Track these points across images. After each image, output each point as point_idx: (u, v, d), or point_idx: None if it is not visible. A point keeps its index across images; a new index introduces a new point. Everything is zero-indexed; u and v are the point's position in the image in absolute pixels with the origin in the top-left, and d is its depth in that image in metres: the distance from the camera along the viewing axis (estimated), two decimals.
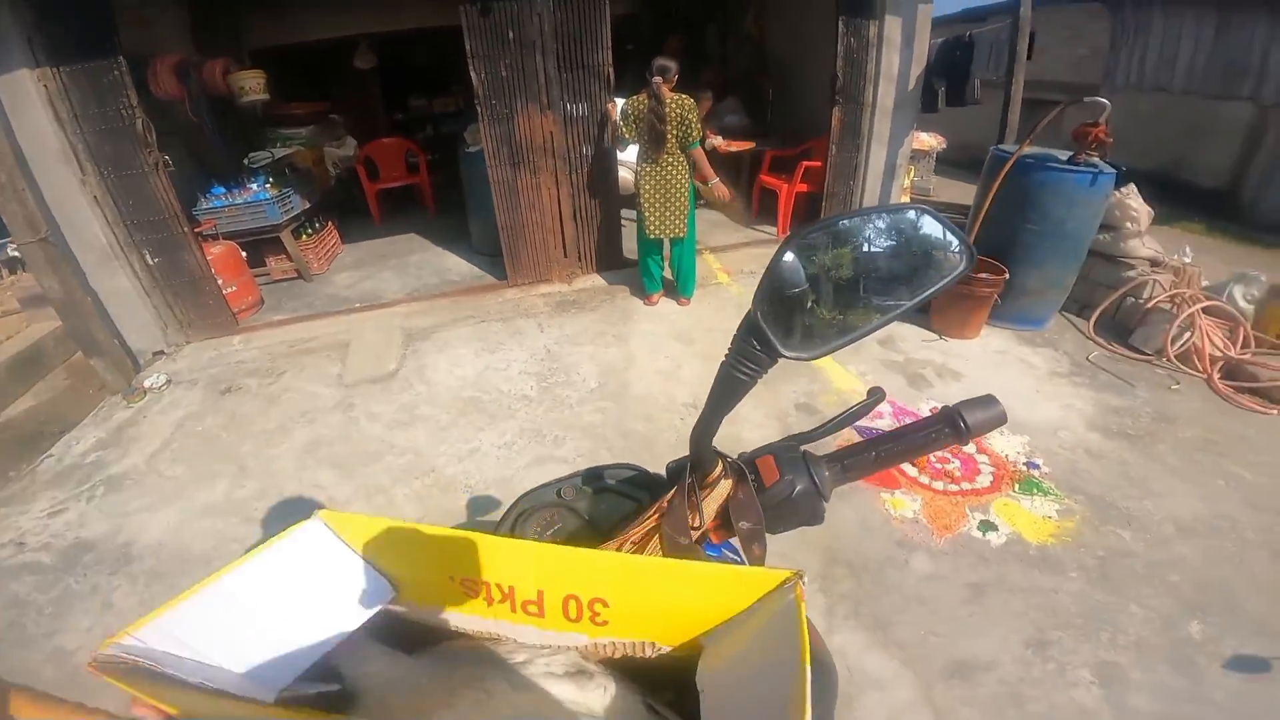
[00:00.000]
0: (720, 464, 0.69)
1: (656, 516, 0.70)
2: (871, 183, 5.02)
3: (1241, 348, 3.75)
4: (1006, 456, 2.86)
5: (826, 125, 4.85)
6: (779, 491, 0.66)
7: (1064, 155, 3.70)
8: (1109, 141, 3.66)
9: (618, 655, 0.66)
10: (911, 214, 0.62)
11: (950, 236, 0.60)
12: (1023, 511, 2.58)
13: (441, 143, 7.43)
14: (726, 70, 7.08)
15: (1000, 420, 0.65)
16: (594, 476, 0.89)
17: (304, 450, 3.03)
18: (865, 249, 0.60)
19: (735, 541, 0.70)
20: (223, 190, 4.69)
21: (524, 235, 4.42)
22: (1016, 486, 2.69)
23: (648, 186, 3.87)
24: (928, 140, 6.14)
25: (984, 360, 3.64)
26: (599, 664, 0.65)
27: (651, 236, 4.01)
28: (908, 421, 2.90)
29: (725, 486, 0.68)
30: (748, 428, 3.03)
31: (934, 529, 2.47)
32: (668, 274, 4.30)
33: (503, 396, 3.33)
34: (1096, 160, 3.64)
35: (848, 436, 2.57)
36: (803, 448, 0.70)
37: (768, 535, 0.66)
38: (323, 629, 0.61)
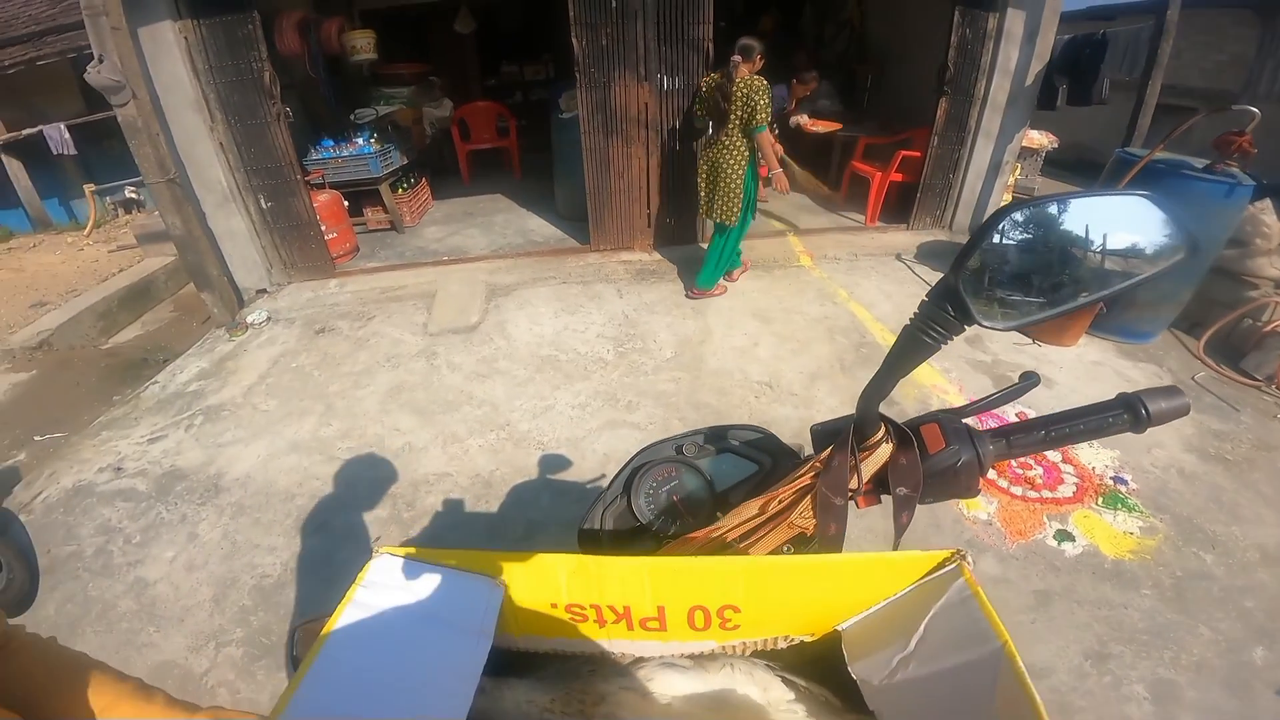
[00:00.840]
0: (884, 427, 0.68)
1: (811, 475, 0.69)
2: (973, 178, 4.82)
3: None
4: (1093, 469, 2.75)
5: (930, 116, 4.69)
6: (943, 459, 0.65)
7: (1198, 163, 3.47)
8: (1253, 152, 3.39)
9: (747, 653, 0.66)
10: (1136, 199, 0.60)
11: (1166, 223, 0.59)
12: (1103, 525, 2.49)
13: (530, 109, 7.55)
14: (822, 54, 6.90)
15: (1184, 411, 0.63)
16: (716, 435, 0.88)
17: (387, 394, 3.17)
18: (1077, 230, 0.59)
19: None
20: (331, 143, 4.95)
21: (610, 202, 4.48)
22: (1101, 500, 2.59)
23: (703, 164, 3.79)
24: (1038, 138, 5.80)
25: (1078, 370, 3.46)
26: (727, 648, 0.65)
27: (703, 215, 3.93)
28: (1017, 418, 2.79)
29: (885, 451, 0.67)
30: (822, 411, 3.00)
31: (1007, 533, 2.42)
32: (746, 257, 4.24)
33: (579, 358, 3.41)
34: (1235, 170, 3.39)
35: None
36: (966, 424, 0.69)
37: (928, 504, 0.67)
38: (457, 653, 0.57)
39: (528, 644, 0.66)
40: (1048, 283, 0.59)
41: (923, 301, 0.58)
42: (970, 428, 0.68)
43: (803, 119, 5.22)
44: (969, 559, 0.56)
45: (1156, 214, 0.59)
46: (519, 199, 5.91)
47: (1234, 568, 2.37)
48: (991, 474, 2.66)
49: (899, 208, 5.05)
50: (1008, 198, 5.22)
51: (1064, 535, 2.43)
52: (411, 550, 0.62)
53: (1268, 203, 3.78)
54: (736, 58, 3.48)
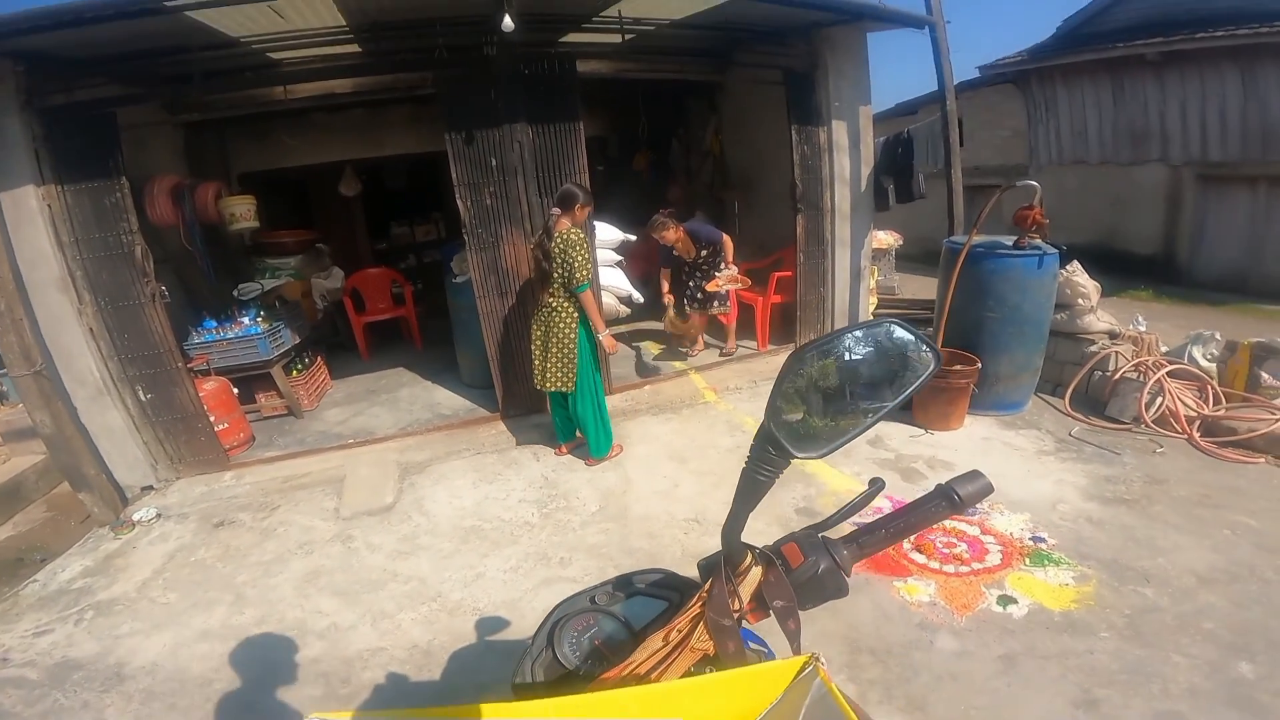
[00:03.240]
0: (749, 554, 0.79)
1: (700, 605, 0.78)
2: (840, 287, 5.23)
3: (1214, 405, 3.90)
4: (1011, 534, 2.90)
5: (792, 234, 5.04)
6: (805, 571, 0.76)
7: (1009, 240, 3.95)
8: (1045, 222, 3.93)
9: None
10: (883, 326, 0.76)
11: (919, 341, 0.74)
12: (1039, 582, 2.61)
13: (425, 271, 7.44)
14: (692, 184, 7.37)
15: (987, 490, 0.77)
16: (624, 583, 0.96)
17: (304, 579, 3.01)
18: (850, 360, 0.73)
19: (748, 629, 0.81)
20: (214, 324, 4.61)
21: (514, 366, 4.36)
22: (1027, 560, 2.74)
23: (534, 330, 3.58)
24: (885, 239, 6.48)
25: (971, 448, 3.74)
26: None
27: (538, 386, 3.69)
28: (885, 506, 2.94)
29: (757, 573, 0.79)
30: (751, 535, 3.00)
31: (953, 609, 2.48)
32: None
33: (504, 524, 3.32)
34: (1039, 242, 3.89)
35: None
36: (820, 534, 0.82)
37: (801, 612, 0.76)
38: None
39: None
40: (835, 410, 0.71)
41: (751, 445, 0.69)
42: (826, 538, 0.80)
43: (731, 273, 5.10)
44: (822, 660, 0.63)
45: (906, 334, 0.74)
46: (422, 370, 5.85)
47: (1177, 595, 2.51)
48: (921, 558, 2.76)
49: (784, 328, 5.35)
50: (874, 300, 5.76)
51: (1006, 599, 2.51)
52: (348, 715, 0.66)
53: (1075, 265, 4.38)
54: (555, 210, 3.35)
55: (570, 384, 3.56)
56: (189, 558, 3.29)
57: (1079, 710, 2.00)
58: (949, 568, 2.71)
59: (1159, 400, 3.88)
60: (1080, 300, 4.28)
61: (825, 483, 3.45)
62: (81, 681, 2.47)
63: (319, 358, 5.55)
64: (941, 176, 5.22)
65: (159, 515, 3.71)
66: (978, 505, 3.14)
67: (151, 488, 4.00)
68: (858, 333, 0.75)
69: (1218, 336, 4.23)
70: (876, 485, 0.85)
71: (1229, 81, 9.75)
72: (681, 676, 0.77)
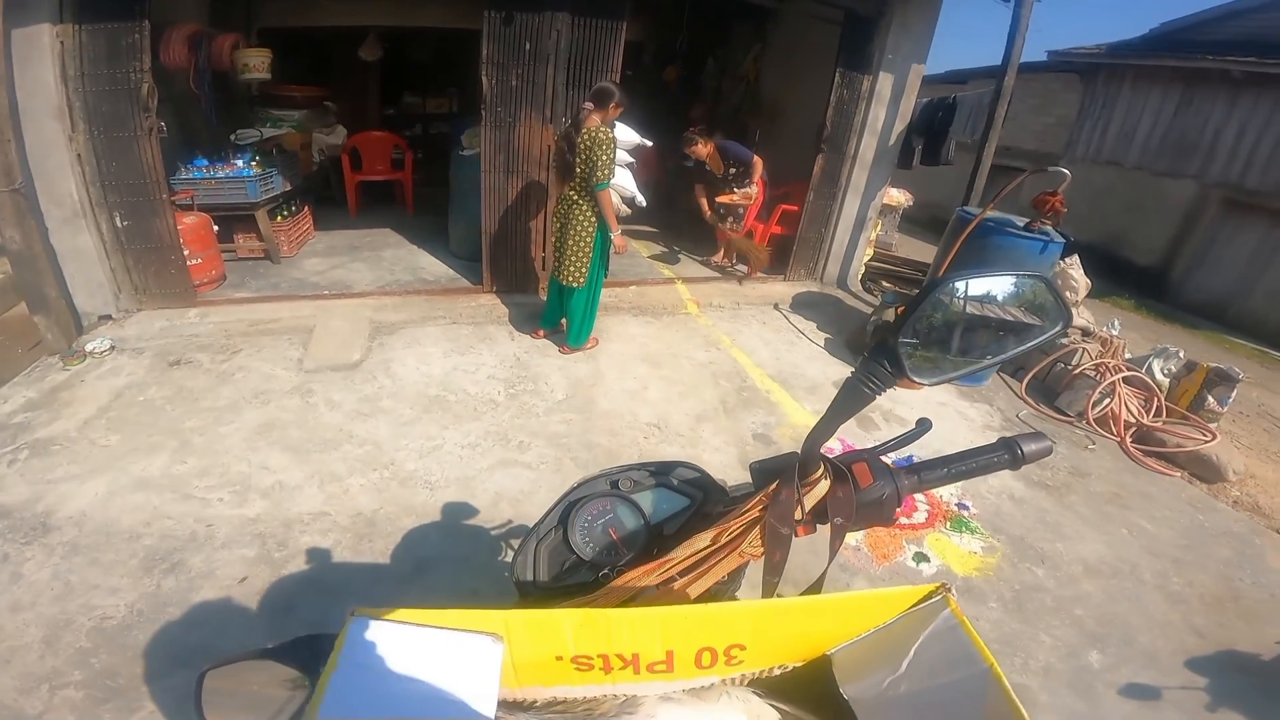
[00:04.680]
0: (823, 465, 0.76)
1: (760, 509, 0.75)
2: (842, 231, 5.25)
3: (1154, 416, 4.10)
4: (941, 497, 3.07)
5: (807, 171, 5.05)
6: (871, 492, 0.75)
7: (1020, 221, 3.98)
8: (1064, 211, 3.95)
9: (744, 683, 0.70)
10: (1036, 280, 0.75)
11: (1058, 303, 0.74)
12: (953, 547, 2.80)
13: (429, 142, 7.37)
14: (718, 106, 7.25)
15: (1048, 452, 0.77)
16: (651, 471, 0.92)
17: (255, 431, 2.96)
18: (994, 302, 0.73)
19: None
20: (205, 162, 4.59)
21: (506, 243, 4.47)
22: (949, 524, 2.92)
23: (555, 220, 3.64)
24: (897, 196, 6.39)
25: (926, 409, 3.79)
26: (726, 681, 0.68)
27: (554, 277, 3.73)
28: (838, 447, 3.09)
29: (824, 486, 0.76)
30: (710, 450, 3.17)
31: (874, 557, 2.67)
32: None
33: (469, 398, 3.37)
34: (1049, 228, 3.92)
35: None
36: (884, 460, 0.80)
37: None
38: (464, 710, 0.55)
39: (526, 694, 0.66)
40: (962, 345, 0.71)
41: (863, 358, 0.68)
42: (891, 465, 0.79)
43: (734, 197, 5.22)
44: (953, 592, 0.63)
45: (1047, 292, 0.74)
46: (410, 235, 5.76)
47: (1062, 580, 2.72)
48: None
49: (777, 259, 5.40)
50: (870, 252, 5.76)
51: (921, 557, 2.71)
52: (394, 611, 0.58)
53: (1075, 259, 4.43)
54: (588, 104, 3.31)
55: (582, 279, 3.59)
56: (138, 396, 3.14)
57: None
58: None
59: (1106, 401, 4.06)
60: (1068, 293, 4.36)
61: (786, 413, 3.57)
62: (4, 531, 2.31)
63: (306, 208, 5.48)
64: (973, 148, 5.13)
65: (113, 348, 3.57)
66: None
67: (110, 317, 3.89)
68: (1012, 278, 0.74)
69: (1181, 355, 4.38)
70: (923, 425, 0.81)
71: None
72: (717, 582, 0.75)
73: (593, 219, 3.45)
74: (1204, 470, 3.81)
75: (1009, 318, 0.73)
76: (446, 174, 5.15)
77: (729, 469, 3.05)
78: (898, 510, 0.77)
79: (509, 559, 2.39)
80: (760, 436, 3.35)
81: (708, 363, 4.01)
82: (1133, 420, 4.03)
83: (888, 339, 0.66)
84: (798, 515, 0.75)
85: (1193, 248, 10.68)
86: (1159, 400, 4.16)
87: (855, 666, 0.65)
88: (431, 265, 5.13)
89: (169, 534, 2.34)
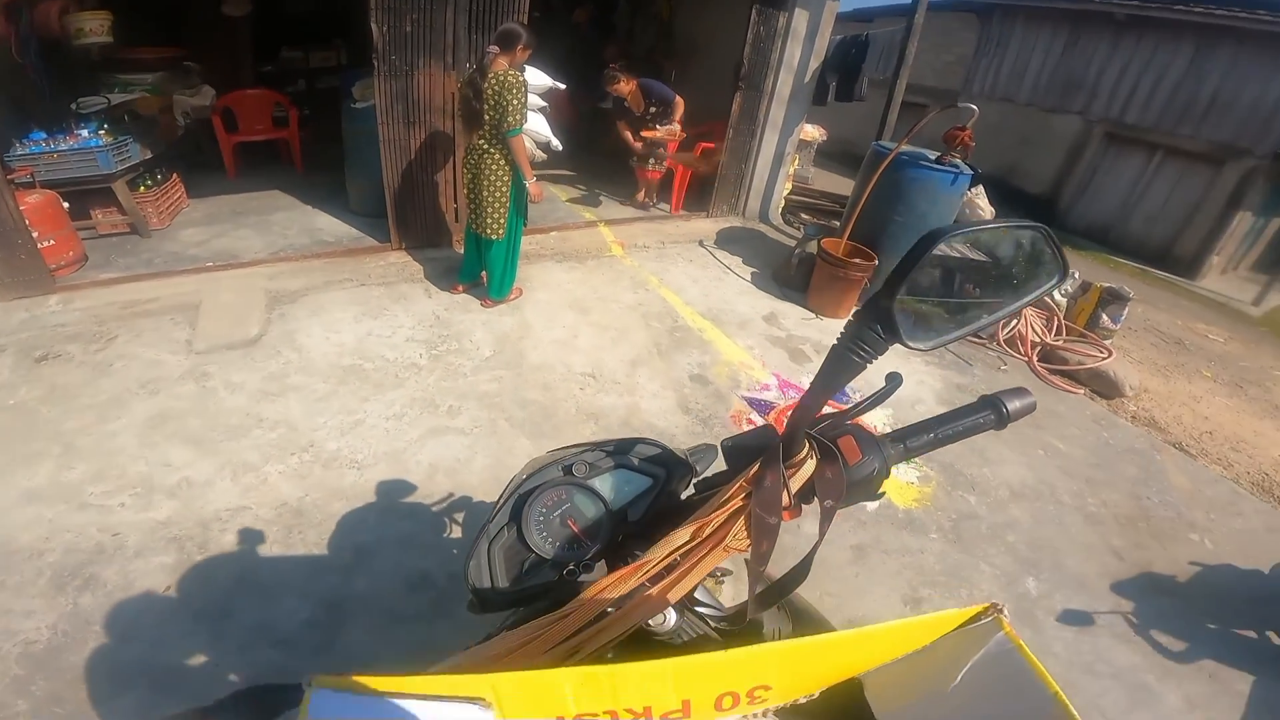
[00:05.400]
0: (809, 444, 0.68)
1: (742, 497, 0.67)
2: (761, 166, 5.27)
3: (1055, 335, 4.38)
4: (876, 428, 3.15)
5: (726, 109, 5.01)
6: (861, 469, 0.68)
7: (931, 154, 4.09)
8: (972, 145, 4.09)
9: (769, 715, 0.64)
10: (1032, 231, 0.68)
11: (1056, 254, 0.67)
12: (891, 478, 2.86)
13: (317, 98, 6.83)
14: (631, 46, 7.05)
15: (1032, 408, 0.72)
16: (605, 451, 0.83)
17: (148, 425, 2.66)
18: (990, 255, 0.66)
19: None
20: (43, 135, 4.04)
21: (413, 197, 4.16)
22: None
23: (466, 172, 3.42)
24: (812, 131, 6.50)
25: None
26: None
27: (471, 229, 3.55)
28: (846, 397, 3.07)
29: (810, 466, 0.68)
30: (647, 397, 3.10)
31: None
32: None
33: (388, 364, 3.14)
34: (958, 161, 4.06)
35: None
36: (873, 432, 0.72)
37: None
38: None
39: None
40: (959, 303, 0.65)
41: (849, 322, 0.59)
42: (876, 435, 0.71)
43: (658, 133, 5.10)
44: (1005, 612, 0.56)
45: (1044, 242, 0.66)
46: (303, 195, 5.26)
47: (992, 505, 2.86)
48: None
49: (699, 196, 5.36)
50: (788, 186, 5.81)
51: None
52: (360, 679, 0.49)
53: (980, 189, 4.61)
54: (493, 48, 3.09)
55: (501, 231, 3.40)
56: (7, 400, 2.77)
57: (906, 607, 2.27)
58: None
59: (1014, 323, 4.29)
60: (976, 220, 4.52)
61: (720, 351, 3.55)
62: None
63: (175, 175, 4.91)
64: (884, 85, 5.21)
65: None
66: (855, 398, 3.39)
67: None
68: (1007, 228, 0.69)
69: (1076, 275, 4.67)
70: (894, 381, 0.74)
71: (1180, 54, 10.41)
72: (703, 578, 0.67)
73: (506, 167, 3.26)
74: (1104, 386, 4.12)
75: (1007, 271, 0.67)
76: (338, 129, 4.76)
77: (668, 415, 3.00)
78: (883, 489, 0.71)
79: (455, 535, 2.29)
80: (697, 378, 3.32)
81: (637, 305, 3.92)
82: (1037, 340, 4.29)
83: (880, 300, 0.57)
84: (784, 500, 0.67)
85: (1078, 177, 11.70)
86: (1059, 320, 4.44)
87: (891, 689, 0.60)
88: (331, 226, 4.71)
89: (73, 548, 2.12)
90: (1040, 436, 3.44)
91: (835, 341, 0.59)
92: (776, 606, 0.74)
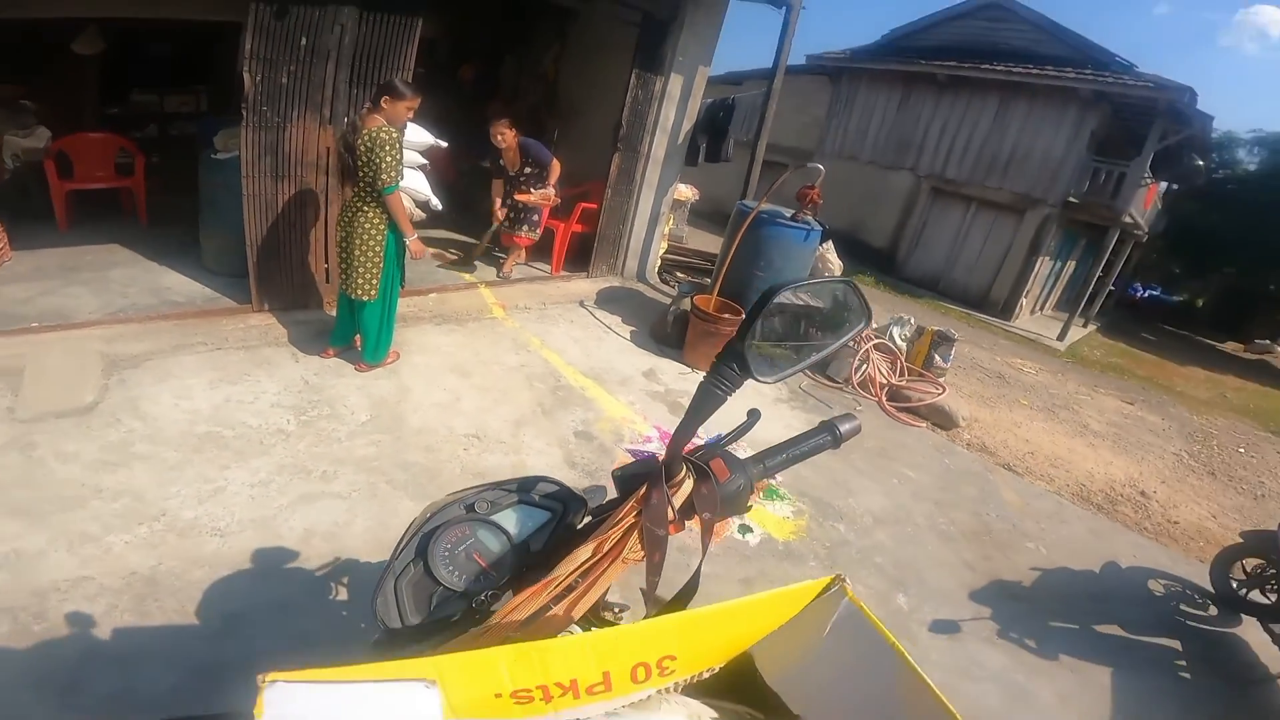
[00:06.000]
0: (685, 467, 0.81)
1: (634, 515, 0.77)
2: (639, 226, 5.51)
3: (899, 376, 4.95)
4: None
5: (603, 169, 5.19)
6: (731, 485, 0.82)
7: (788, 212, 4.54)
8: (820, 202, 4.58)
9: (679, 690, 0.71)
10: (844, 283, 0.89)
11: (862, 303, 0.87)
12: (769, 515, 3.10)
13: (170, 145, 6.31)
14: (515, 104, 7.10)
15: (858, 430, 0.91)
16: (509, 489, 0.89)
17: None
18: (816, 303, 0.84)
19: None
20: None
21: (279, 256, 3.92)
22: (762, 495, 3.20)
23: (339, 230, 3.30)
24: (685, 191, 6.92)
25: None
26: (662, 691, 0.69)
27: (342, 290, 3.39)
28: (654, 435, 3.22)
29: (689, 485, 0.80)
30: (533, 454, 3.15)
31: None
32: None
33: (252, 431, 2.96)
34: (809, 218, 4.53)
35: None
36: (732, 453, 0.87)
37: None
38: None
39: None
40: (794, 344, 0.81)
41: (714, 362, 0.73)
42: (739, 457, 0.85)
43: (531, 197, 4.95)
44: (848, 581, 0.67)
45: (852, 294, 0.88)
46: (147, 250, 4.79)
47: (860, 532, 3.16)
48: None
49: (579, 257, 5.49)
50: (664, 245, 6.14)
51: (745, 529, 2.94)
52: (314, 671, 0.51)
53: (830, 244, 5.18)
54: (367, 105, 3.06)
55: (373, 291, 3.28)
56: None
57: None
58: None
59: (864, 367, 4.81)
60: (827, 273, 5.06)
61: (603, 408, 3.68)
62: None
63: None
64: (749, 146, 5.67)
65: None
66: (743, 442, 3.64)
67: None
68: (821, 284, 0.87)
69: (912, 321, 5.33)
70: (753, 416, 0.87)
71: (986, 111, 12.04)
72: (608, 588, 0.77)
73: (381, 226, 3.19)
74: (941, 419, 4.70)
75: (828, 317, 0.86)
76: (193, 180, 4.42)
77: (555, 470, 3.05)
78: (752, 497, 0.86)
79: (340, 597, 2.21)
80: (582, 434, 3.41)
81: (520, 366, 3.96)
82: (885, 381, 4.83)
83: (734, 344, 0.73)
84: (670, 515, 0.79)
85: (912, 230, 13.20)
86: (901, 362, 5.03)
87: (775, 658, 0.70)
88: (180, 285, 4.34)
89: None
90: (893, 466, 3.86)
91: (702, 379, 0.74)
92: None
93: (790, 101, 14.50)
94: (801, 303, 0.83)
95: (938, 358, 5.12)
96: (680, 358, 4.41)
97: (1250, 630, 3.20)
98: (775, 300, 0.75)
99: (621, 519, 0.78)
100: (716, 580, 2.58)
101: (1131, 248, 14.06)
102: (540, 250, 5.58)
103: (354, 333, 3.57)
